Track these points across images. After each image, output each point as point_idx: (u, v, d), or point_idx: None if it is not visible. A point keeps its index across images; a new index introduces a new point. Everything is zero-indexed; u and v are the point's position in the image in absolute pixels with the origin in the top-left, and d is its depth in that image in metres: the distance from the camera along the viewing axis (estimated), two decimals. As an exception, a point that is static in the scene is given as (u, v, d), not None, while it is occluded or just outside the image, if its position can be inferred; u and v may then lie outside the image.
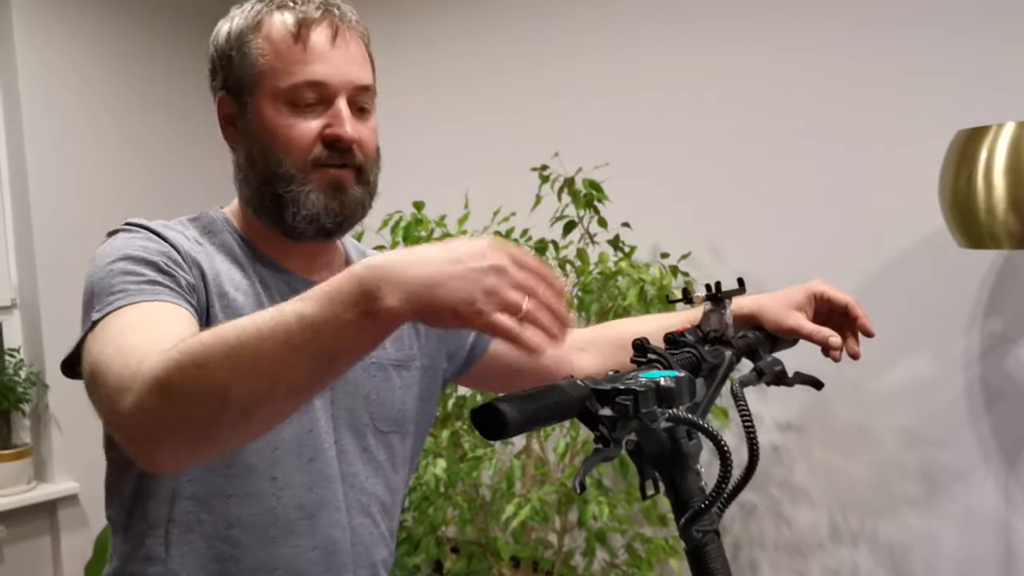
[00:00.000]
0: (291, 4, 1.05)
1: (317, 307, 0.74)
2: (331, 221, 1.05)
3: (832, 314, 1.17)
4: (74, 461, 3.09)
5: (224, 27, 1.08)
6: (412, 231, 2.52)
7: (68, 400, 3.04)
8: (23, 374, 3.00)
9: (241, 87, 1.06)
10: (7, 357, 3.02)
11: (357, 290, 0.73)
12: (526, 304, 0.73)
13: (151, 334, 0.86)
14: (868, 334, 1.16)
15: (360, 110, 1.06)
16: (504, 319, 0.72)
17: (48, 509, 3.08)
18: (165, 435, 0.78)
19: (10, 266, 3.11)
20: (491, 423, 0.72)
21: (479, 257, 0.73)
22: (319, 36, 1.03)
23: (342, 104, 1.04)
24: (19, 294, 3.13)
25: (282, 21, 1.04)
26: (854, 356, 1.16)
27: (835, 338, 1.11)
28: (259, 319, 0.76)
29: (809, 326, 1.12)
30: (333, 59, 1.03)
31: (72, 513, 3.11)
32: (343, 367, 0.77)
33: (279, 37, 1.03)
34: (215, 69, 1.09)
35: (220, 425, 0.77)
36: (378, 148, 1.10)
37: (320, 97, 1.03)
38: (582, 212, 2.50)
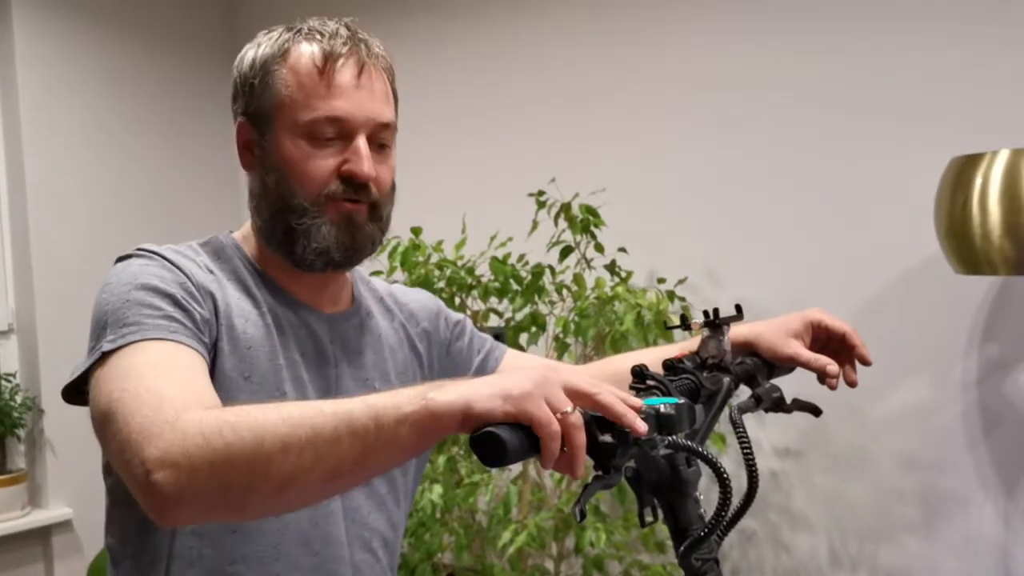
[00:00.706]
0: (319, 36, 1.04)
1: (375, 424, 0.76)
2: (341, 255, 1.05)
3: (830, 342, 1.17)
4: (69, 487, 3.07)
5: (249, 53, 1.07)
6: (409, 256, 2.52)
7: (63, 425, 3.02)
8: (19, 399, 2.99)
9: (261, 116, 1.05)
10: (3, 382, 3.00)
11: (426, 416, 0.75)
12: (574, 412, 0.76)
13: (182, 382, 0.85)
14: (865, 363, 1.16)
15: (380, 147, 1.05)
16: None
17: (42, 535, 3.06)
18: (192, 492, 0.76)
19: (8, 290, 3.11)
20: (491, 450, 0.72)
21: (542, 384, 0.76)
22: (344, 72, 1.02)
23: (361, 141, 1.02)
24: (16, 318, 3.11)
25: (309, 53, 1.03)
26: (851, 384, 1.16)
27: (832, 366, 1.10)
28: (317, 409, 0.78)
29: (806, 354, 1.12)
30: (356, 96, 1.02)
31: (66, 539, 3.09)
32: (384, 466, 0.81)
33: (304, 70, 1.02)
34: (237, 94, 1.08)
35: (252, 495, 0.77)
36: (394, 184, 1.10)
37: (340, 132, 1.02)
38: (579, 237, 2.50)
